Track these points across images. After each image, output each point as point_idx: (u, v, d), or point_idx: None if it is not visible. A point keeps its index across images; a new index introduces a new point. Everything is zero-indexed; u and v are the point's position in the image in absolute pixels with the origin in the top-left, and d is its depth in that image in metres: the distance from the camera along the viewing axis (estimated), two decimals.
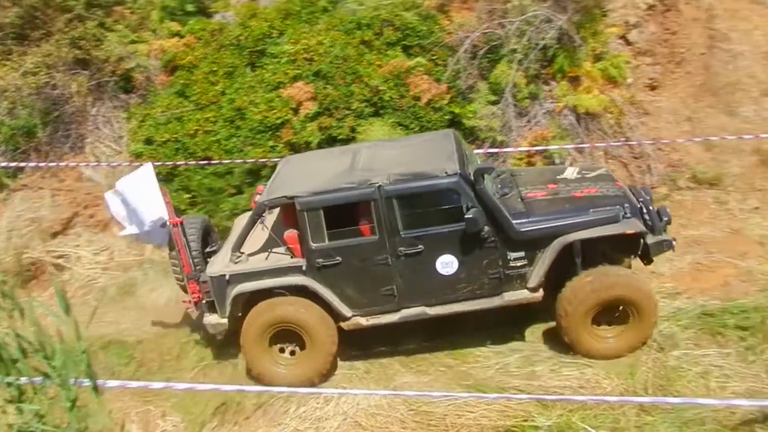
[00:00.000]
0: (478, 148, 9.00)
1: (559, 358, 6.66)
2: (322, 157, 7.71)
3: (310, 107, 8.96)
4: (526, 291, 6.71)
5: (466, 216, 6.35)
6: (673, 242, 6.79)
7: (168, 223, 6.93)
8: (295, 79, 9.17)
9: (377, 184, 6.49)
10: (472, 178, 6.52)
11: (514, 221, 6.51)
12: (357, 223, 6.73)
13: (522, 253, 6.62)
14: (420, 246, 6.57)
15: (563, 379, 6.38)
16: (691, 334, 6.69)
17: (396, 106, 8.96)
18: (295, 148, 8.94)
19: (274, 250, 6.85)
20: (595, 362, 6.49)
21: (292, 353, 6.89)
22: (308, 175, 7.01)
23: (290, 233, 6.74)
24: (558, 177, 7.33)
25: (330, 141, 8.93)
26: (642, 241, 6.62)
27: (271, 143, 9.04)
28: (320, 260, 6.62)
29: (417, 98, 8.95)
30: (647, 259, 6.84)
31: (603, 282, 6.43)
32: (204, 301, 6.94)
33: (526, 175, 7.52)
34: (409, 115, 8.96)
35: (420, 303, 6.79)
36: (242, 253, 6.85)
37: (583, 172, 7.46)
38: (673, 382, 6.12)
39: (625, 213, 6.58)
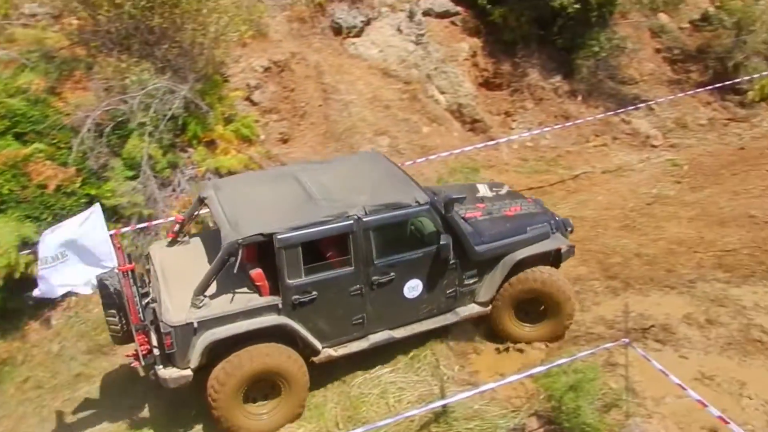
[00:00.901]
0: (126, 226, 8.51)
1: None
2: (261, 183, 7.18)
3: None
4: (476, 305, 7.21)
5: (440, 243, 6.62)
6: (574, 249, 7.63)
7: (117, 271, 6.06)
8: None
9: (355, 216, 6.38)
10: (444, 203, 6.78)
11: (474, 244, 6.93)
12: (331, 256, 6.58)
13: (474, 272, 7.09)
14: (392, 273, 6.66)
15: None
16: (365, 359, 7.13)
17: (19, 199, 7.97)
18: None
19: (236, 290, 6.28)
20: None
21: (256, 400, 6.47)
22: (264, 206, 6.60)
23: (256, 271, 6.29)
24: (478, 195, 7.96)
25: None
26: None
27: None
28: (297, 297, 6.32)
29: (43, 186, 8.09)
30: (557, 265, 7.48)
31: (526, 278, 7.13)
32: (157, 353, 6.18)
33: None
34: (37, 206, 8.04)
35: (385, 327, 6.89)
36: (205, 296, 6.15)
37: (494, 189, 8.20)
38: (359, 409, 6.53)
39: (552, 229, 7.40)
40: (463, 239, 6.86)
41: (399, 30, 12.16)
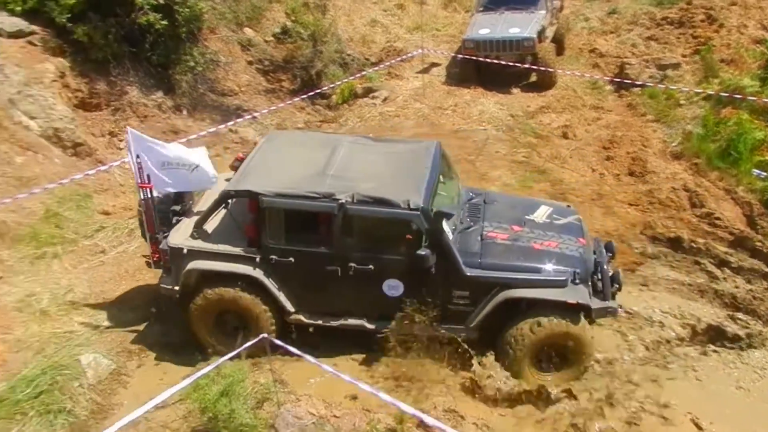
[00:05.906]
0: None
1: None
2: (302, 144, 7.73)
3: None
4: (462, 328, 6.89)
5: (417, 252, 6.46)
6: (618, 310, 7.07)
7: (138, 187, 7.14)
8: None
9: (340, 201, 6.54)
10: (432, 214, 6.53)
11: (463, 264, 6.66)
12: (314, 231, 6.90)
13: (467, 293, 6.78)
14: (371, 266, 6.70)
15: None
16: None
17: None
18: None
19: (232, 234, 6.98)
20: None
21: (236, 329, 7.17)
22: (281, 166, 7.11)
23: (249, 223, 6.92)
24: (527, 217, 7.41)
25: None
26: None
27: None
28: (274, 257, 6.80)
29: None
30: (590, 320, 6.88)
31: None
32: (162, 263, 7.20)
33: (498, 205, 7.64)
34: None
35: (362, 316, 7.05)
36: (204, 230, 6.99)
37: (554, 216, 7.50)
38: None
39: (575, 279, 6.69)
40: (451, 256, 6.66)
41: None
